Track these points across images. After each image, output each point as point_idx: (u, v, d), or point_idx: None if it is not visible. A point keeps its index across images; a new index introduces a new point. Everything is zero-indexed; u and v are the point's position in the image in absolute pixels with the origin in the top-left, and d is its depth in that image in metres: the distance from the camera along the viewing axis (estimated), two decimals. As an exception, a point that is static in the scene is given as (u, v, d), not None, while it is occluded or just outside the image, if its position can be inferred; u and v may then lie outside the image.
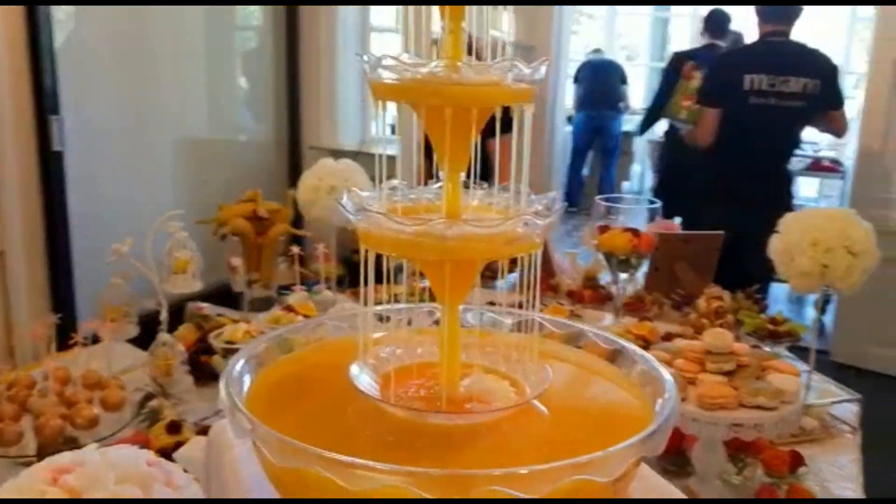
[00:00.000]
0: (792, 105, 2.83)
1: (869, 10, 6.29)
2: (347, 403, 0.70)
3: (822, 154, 4.73)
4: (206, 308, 3.06)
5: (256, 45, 4.41)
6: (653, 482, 0.73)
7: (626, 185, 7.53)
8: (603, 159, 7.13)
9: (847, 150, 4.74)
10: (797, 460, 1.23)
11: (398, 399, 0.68)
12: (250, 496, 0.72)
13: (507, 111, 0.64)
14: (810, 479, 1.25)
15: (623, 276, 1.79)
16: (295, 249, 1.72)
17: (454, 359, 0.69)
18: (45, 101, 3.00)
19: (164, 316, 1.48)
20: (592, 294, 2.17)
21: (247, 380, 0.72)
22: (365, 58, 0.65)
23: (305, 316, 1.56)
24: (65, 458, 0.65)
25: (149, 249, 1.49)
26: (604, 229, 1.79)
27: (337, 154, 4.94)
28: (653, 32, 7.87)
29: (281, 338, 0.80)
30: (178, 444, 1.25)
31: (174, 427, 1.29)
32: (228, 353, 1.41)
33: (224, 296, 3.71)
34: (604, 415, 0.70)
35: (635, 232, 1.75)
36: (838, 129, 3.02)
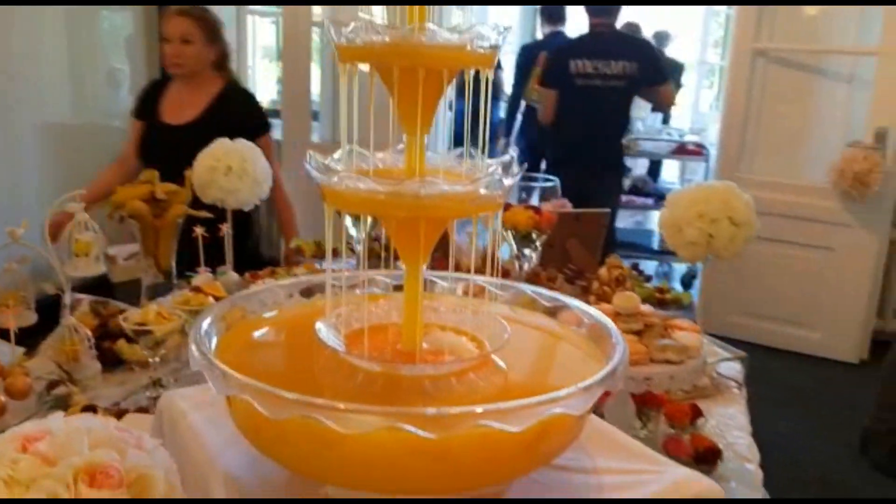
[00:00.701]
0: (615, 85, 3.40)
1: (724, 7, 6.76)
2: (314, 361, 0.72)
3: (686, 139, 5.06)
4: (85, 300, 2.92)
5: (131, 30, 4.21)
6: (597, 425, 0.79)
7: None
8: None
9: (710, 134, 5.09)
10: (696, 412, 1.34)
11: (363, 354, 0.71)
12: (217, 461, 0.73)
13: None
14: (707, 429, 1.36)
15: (525, 251, 1.87)
16: (199, 230, 1.68)
17: (416, 315, 0.72)
18: None
19: (67, 300, 1.42)
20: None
21: (213, 341, 0.72)
22: (331, 26, 0.67)
23: (215, 297, 1.54)
24: (27, 426, 0.63)
25: (46, 231, 1.43)
26: (506, 207, 1.86)
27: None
28: (523, 20, 8.09)
29: (239, 303, 0.81)
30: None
31: (89, 412, 1.25)
32: (140, 334, 1.38)
33: (98, 287, 3.54)
34: (558, 364, 0.75)
35: (536, 209, 1.83)
36: (664, 101, 3.70)
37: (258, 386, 0.59)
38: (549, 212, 1.89)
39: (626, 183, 4.65)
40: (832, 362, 3.59)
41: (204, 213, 1.84)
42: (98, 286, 3.54)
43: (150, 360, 1.42)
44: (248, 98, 2.65)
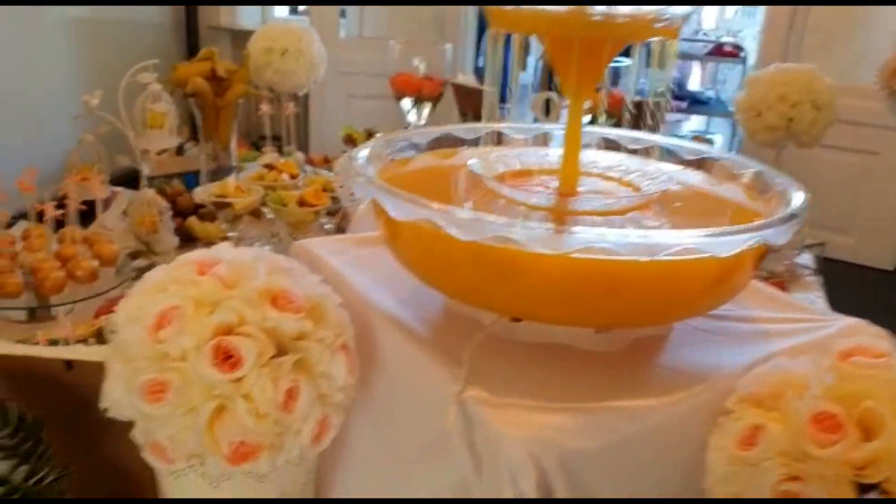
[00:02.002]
0: None
1: None
2: (472, 197, 0.70)
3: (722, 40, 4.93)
4: (120, 191, 2.89)
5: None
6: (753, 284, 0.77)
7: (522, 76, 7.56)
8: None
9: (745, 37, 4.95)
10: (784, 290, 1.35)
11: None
12: (370, 297, 0.72)
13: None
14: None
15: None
16: (265, 108, 1.64)
17: (575, 152, 0.70)
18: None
19: (145, 171, 1.40)
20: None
21: (372, 173, 0.70)
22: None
23: (291, 175, 1.52)
24: (200, 253, 0.62)
25: (121, 101, 1.39)
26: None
27: (237, 34, 4.69)
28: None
29: (386, 145, 0.78)
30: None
31: (178, 280, 1.25)
32: (220, 208, 1.36)
33: (132, 181, 3.53)
34: (723, 210, 0.73)
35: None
36: None
37: (447, 209, 0.57)
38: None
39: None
40: (865, 268, 3.59)
41: (266, 93, 1.79)
42: (130, 181, 3.52)
43: (228, 234, 1.41)
44: None
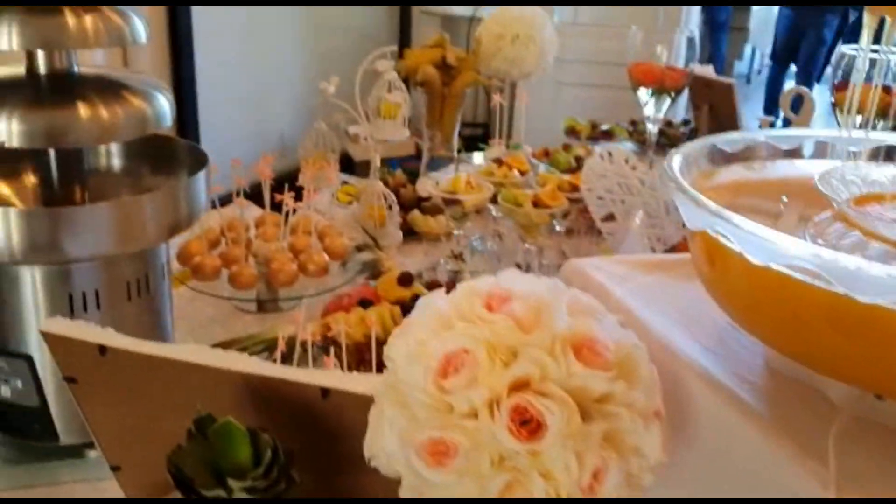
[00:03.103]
0: None
1: None
2: (811, 229, 0.55)
3: None
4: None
5: None
6: None
7: (738, 64, 7.05)
8: (711, 33, 6.53)
9: None
10: None
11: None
12: (673, 346, 0.59)
13: None
14: None
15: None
16: (497, 98, 1.54)
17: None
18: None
19: (377, 163, 1.35)
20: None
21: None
22: None
23: (520, 171, 1.41)
24: (486, 283, 0.52)
25: (357, 89, 1.35)
26: (842, 86, 1.57)
27: (448, 19, 4.68)
28: None
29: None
30: (416, 298, 1.13)
31: (406, 279, 1.18)
32: (449, 203, 1.28)
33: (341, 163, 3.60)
34: None
35: (887, 89, 1.53)
36: None
37: (835, 257, 0.43)
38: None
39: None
40: None
41: (496, 82, 1.70)
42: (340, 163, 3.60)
43: (455, 232, 1.33)
44: None
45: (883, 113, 1.53)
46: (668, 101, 1.74)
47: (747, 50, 7.19)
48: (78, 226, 0.73)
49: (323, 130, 1.39)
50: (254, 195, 1.24)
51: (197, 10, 2.91)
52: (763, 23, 6.98)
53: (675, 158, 0.59)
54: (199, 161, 0.85)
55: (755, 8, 6.93)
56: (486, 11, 4.51)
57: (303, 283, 1.17)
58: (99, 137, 0.75)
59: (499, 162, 1.43)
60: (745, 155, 0.68)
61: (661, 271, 0.69)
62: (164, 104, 0.79)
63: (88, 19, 0.73)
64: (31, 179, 0.87)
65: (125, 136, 0.76)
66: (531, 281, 0.52)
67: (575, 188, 1.37)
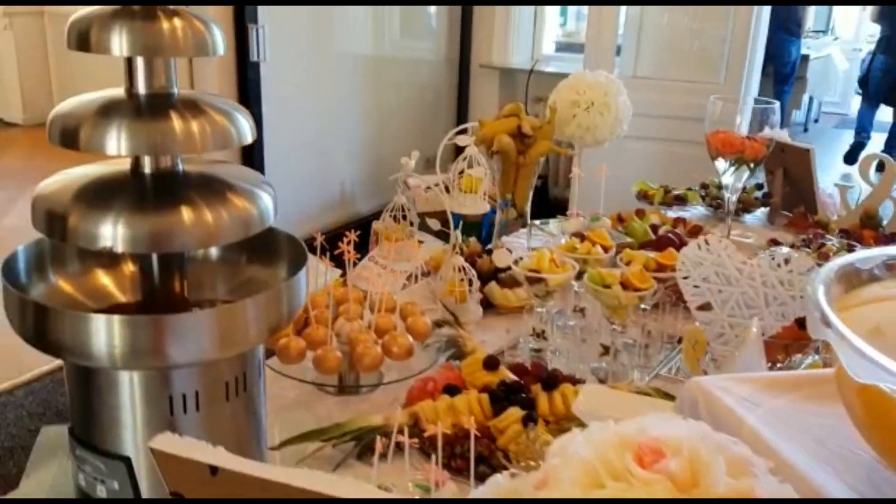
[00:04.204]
0: None
1: None
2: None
3: None
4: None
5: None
6: None
7: (796, 113, 6.96)
8: (775, 86, 6.54)
9: None
10: None
11: None
12: (815, 481, 0.55)
13: None
14: None
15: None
16: (577, 170, 1.52)
17: None
18: (244, 11, 2.92)
19: (456, 238, 1.33)
20: (874, 234, 1.90)
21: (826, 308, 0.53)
22: None
23: (604, 247, 1.38)
24: (630, 429, 0.49)
25: (438, 164, 1.34)
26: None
27: (506, 73, 4.71)
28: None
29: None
30: (502, 384, 1.10)
31: (491, 363, 1.15)
32: (533, 282, 1.25)
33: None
34: None
35: None
36: None
37: None
38: None
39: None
40: None
41: (570, 151, 1.68)
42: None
43: (538, 308, 1.30)
44: None
45: None
46: (747, 172, 1.70)
47: (804, 99, 7.09)
48: (180, 333, 0.71)
49: (402, 203, 1.38)
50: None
51: (265, 63, 2.96)
52: (821, 73, 6.91)
53: (819, 289, 0.56)
54: (296, 252, 0.84)
55: (812, 57, 6.86)
56: (545, 66, 4.54)
57: (388, 367, 1.15)
58: (202, 241, 0.75)
59: (580, 236, 1.40)
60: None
61: (791, 392, 0.65)
62: (268, 203, 0.78)
63: (195, 124, 0.72)
64: (130, 271, 0.87)
65: (228, 238, 0.75)
66: (676, 425, 0.49)
67: (661, 267, 1.33)
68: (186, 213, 0.72)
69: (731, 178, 1.70)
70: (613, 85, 1.80)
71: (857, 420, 0.55)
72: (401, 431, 0.87)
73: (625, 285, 1.21)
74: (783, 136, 2.20)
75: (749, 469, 0.47)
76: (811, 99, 7.41)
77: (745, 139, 1.66)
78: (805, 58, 6.62)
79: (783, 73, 6.39)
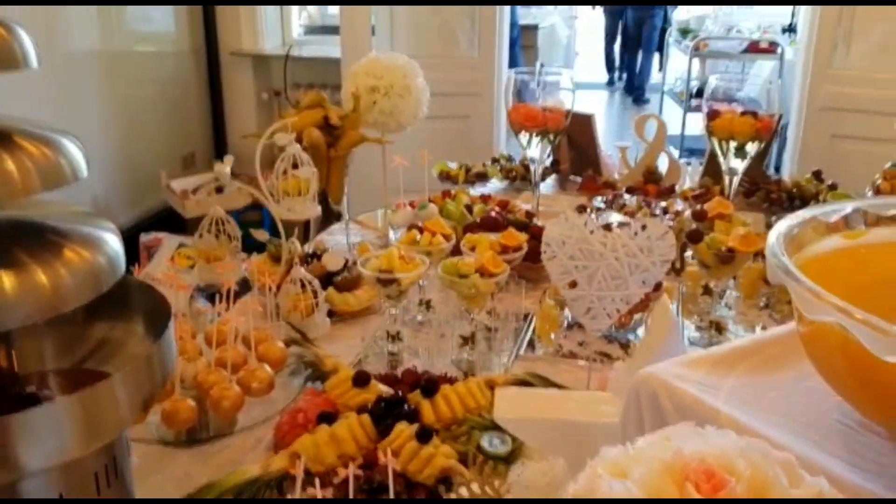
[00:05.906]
0: None
1: None
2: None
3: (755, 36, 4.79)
4: (164, 237, 2.68)
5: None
6: None
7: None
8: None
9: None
10: None
11: None
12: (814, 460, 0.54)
13: None
14: None
15: (738, 163, 1.65)
16: (399, 159, 1.45)
17: None
18: None
19: (297, 248, 1.21)
20: (657, 189, 2.05)
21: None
22: None
23: (444, 236, 1.33)
24: (665, 452, 0.43)
25: (258, 168, 1.20)
26: (714, 114, 1.64)
27: (260, 60, 4.49)
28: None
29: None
30: (380, 400, 1.01)
31: (362, 379, 1.05)
32: (386, 283, 1.17)
33: (166, 221, 3.30)
34: None
35: (754, 114, 1.61)
36: None
37: None
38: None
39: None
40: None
41: (386, 140, 1.61)
42: (163, 222, 3.30)
43: (391, 310, 1.22)
44: None
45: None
46: (548, 144, 1.73)
47: (536, 66, 7.58)
48: (32, 433, 0.55)
49: (221, 216, 1.22)
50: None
51: None
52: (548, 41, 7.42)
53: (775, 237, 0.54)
54: (152, 301, 0.69)
55: (541, 26, 7.33)
56: (300, 50, 4.38)
57: (250, 404, 1.01)
58: (42, 312, 0.57)
59: (417, 228, 1.33)
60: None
61: (735, 367, 0.64)
62: (116, 246, 0.62)
63: (11, 162, 0.55)
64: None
65: (75, 302, 0.58)
66: (707, 439, 0.45)
67: (504, 249, 1.31)
68: (9, 280, 0.55)
69: (536, 150, 1.73)
70: (410, 67, 1.74)
71: (831, 375, 0.54)
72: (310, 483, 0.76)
73: (480, 272, 1.17)
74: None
75: (797, 471, 0.44)
76: (541, 65, 7.94)
77: (544, 112, 1.69)
78: (535, 27, 7.05)
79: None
